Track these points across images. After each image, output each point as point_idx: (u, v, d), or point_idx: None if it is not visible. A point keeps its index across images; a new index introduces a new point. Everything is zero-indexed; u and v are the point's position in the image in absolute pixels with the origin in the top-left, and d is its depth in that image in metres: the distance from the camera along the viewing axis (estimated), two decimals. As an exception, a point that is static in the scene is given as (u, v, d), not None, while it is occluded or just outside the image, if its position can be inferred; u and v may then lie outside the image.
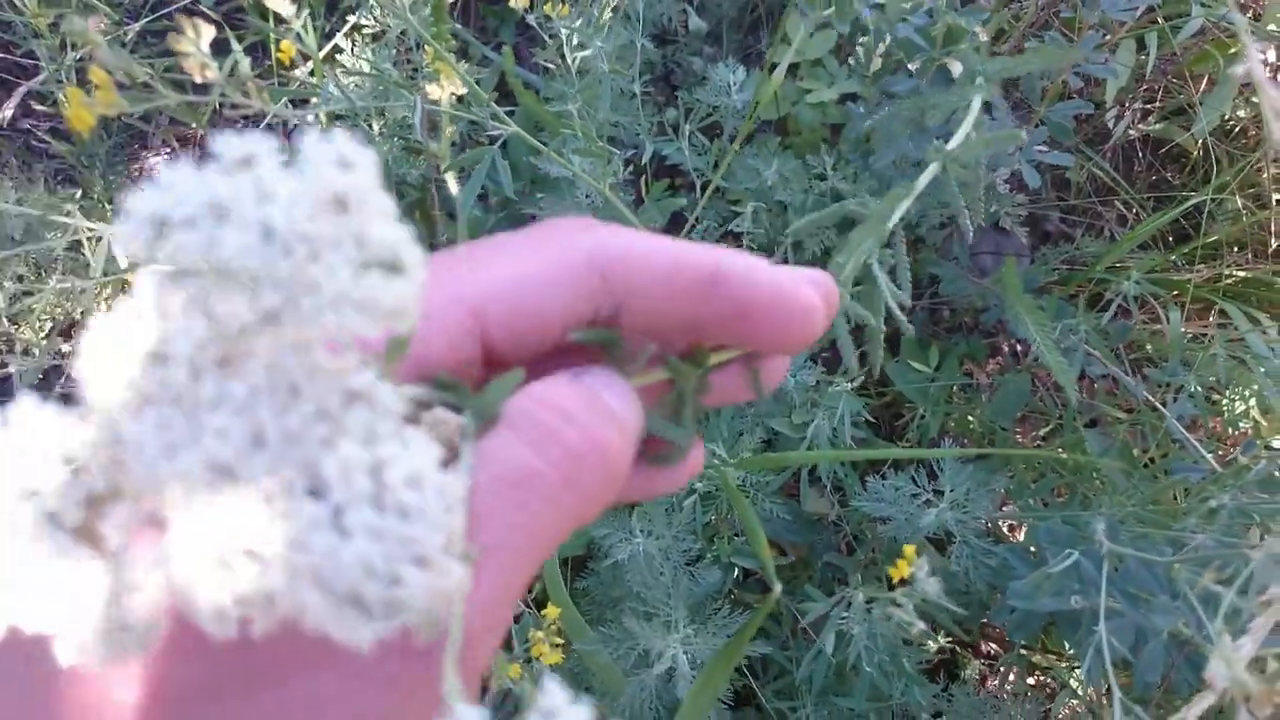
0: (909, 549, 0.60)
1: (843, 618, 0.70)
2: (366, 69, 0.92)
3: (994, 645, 1.22)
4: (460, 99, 0.90)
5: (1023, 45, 1.26)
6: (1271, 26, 1.19)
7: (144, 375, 0.15)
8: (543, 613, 0.62)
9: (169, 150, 1.60)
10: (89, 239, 0.77)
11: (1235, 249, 1.30)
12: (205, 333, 0.15)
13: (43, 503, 0.14)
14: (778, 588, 0.43)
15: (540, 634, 0.62)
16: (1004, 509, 1.05)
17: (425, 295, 0.17)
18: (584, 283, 0.24)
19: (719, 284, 0.24)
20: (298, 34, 0.86)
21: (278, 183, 0.14)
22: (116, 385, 0.15)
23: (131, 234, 0.14)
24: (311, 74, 1.35)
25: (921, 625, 0.61)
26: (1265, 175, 1.14)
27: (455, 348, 0.23)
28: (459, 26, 1.48)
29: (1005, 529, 1.19)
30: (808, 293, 0.24)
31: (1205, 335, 1.15)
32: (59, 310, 1.31)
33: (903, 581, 0.62)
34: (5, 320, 1.19)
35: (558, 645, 0.62)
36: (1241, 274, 1.15)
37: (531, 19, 1.11)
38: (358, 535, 0.14)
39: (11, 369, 1.06)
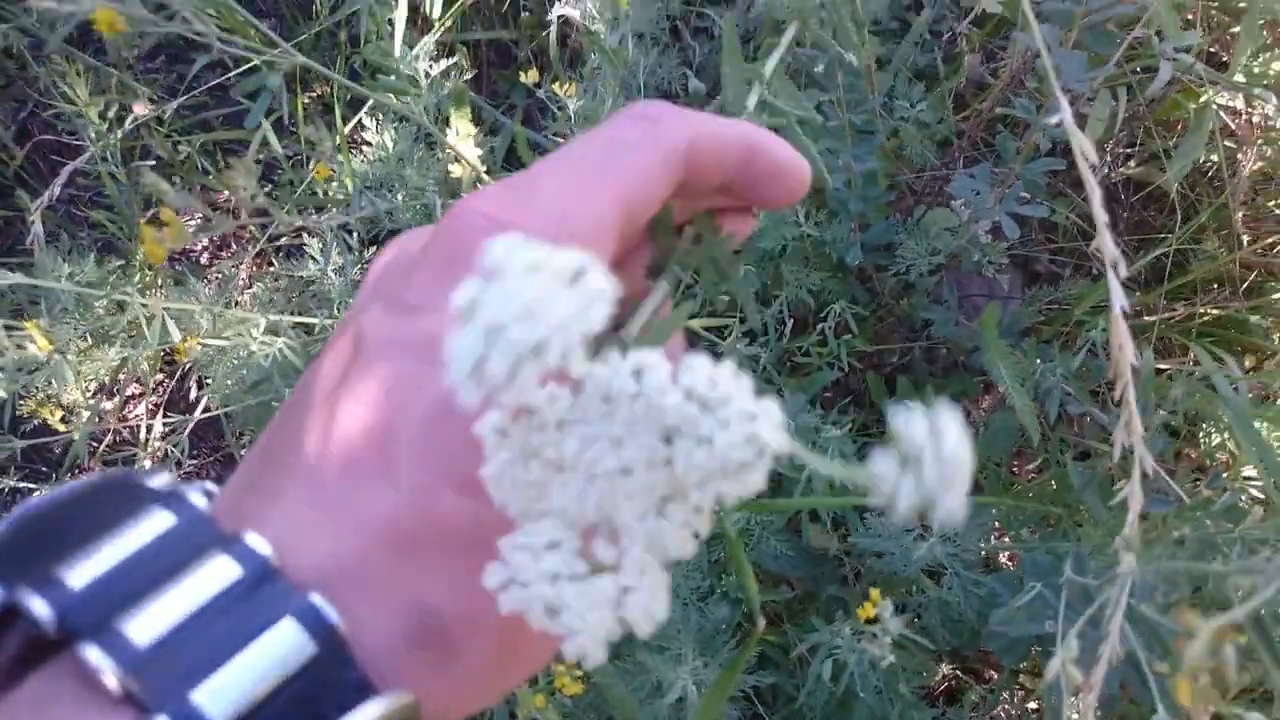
0: (874, 592, 0.67)
1: (835, 648, 0.77)
2: (390, 146, 1.00)
3: (995, 672, 1.27)
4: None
5: (995, 105, 1.34)
6: (1238, 76, 1.26)
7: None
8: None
9: (201, 218, 1.69)
10: (146, 317, 0.85)
11: (1216, 286, 1.36)
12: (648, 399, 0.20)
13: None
14: (761, 622, 0.50)
15: (561, 667, 0.68)
16: (999, 540, 1.11)
17: (585, 198, 0.25)
18: (681, 169, 0.28)
19: (758, 154, 0.30)
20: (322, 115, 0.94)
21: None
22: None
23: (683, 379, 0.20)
24: (338, 149, 1.44)
25: (892, 658, 0.67)
26: (1234, 218, 1.21)
27: (613, 249, 0.27)
28: (472, 94, 1.57)
29: (1006, 558, 1.25)
30: (804, 162, 0.31)
31: (1185, 372, 1.21)
32: (103, 371, 1.40)
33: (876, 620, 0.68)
34: (53, 382, 1.27)
35: (578, 678, 0.69)
36: (1216, 312, 1.22)
37: (541, 93, 1.20)
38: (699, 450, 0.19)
39: (70, 429, 1.13)
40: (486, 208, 0.25)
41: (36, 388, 1.29)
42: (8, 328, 0.94)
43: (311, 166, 0.90)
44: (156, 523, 0.23)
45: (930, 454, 0.19)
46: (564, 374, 0.19)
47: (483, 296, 0.19)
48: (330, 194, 1.14)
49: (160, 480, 0.25)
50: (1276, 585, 0.42)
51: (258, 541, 0.22)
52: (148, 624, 0.21)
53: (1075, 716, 0.69)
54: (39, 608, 0.20)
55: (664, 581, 0.21)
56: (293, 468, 0.24)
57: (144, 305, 0.83)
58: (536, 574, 0.20)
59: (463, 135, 0.84)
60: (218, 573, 0.22)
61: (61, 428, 0.98)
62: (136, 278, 1.41)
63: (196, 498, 0.24)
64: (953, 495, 0.19)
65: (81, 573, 0.21)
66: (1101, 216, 0.41)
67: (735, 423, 0.19)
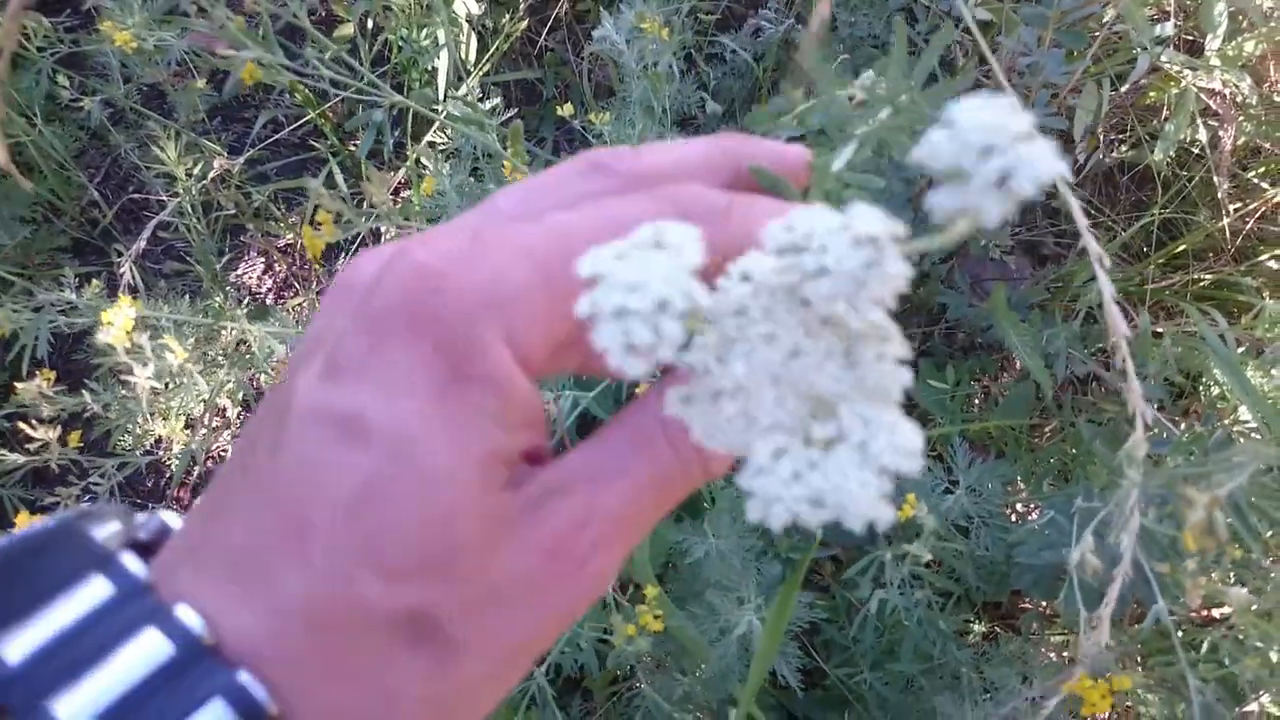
0: (910, 496, 0.77)
1: (880, 579, 0.87)
2: (448, 182, 1.13)
3: (1034, 624, 1.37)
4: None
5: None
6: (1213, 60, 1.37)
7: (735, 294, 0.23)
8: (642, 592, 0.81)
9: (263, 259, 1.83)
10: (255, 339, 0.98)
11: (1212, 254, 1.46)
12: (765, 290, 0.22)
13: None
14: (818, 533, 0.61)
15: (644, 608, 0.80)
16: (1021, 495, 1.21)
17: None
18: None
19: (738, 157, 0.30)
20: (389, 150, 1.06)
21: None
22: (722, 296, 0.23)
23: (778, 236, 0.21)
24: (396, 193, 1.57)
25: (929, 555, 0.78)
26: (1219, 190, 1.31)
27: (551, 334, 0.26)
28: (499, 125, 1.71)
29: (1030, 515, 1.35)
30: (792, 149, 0.31)
31: (1182, 330, 1.31)
32: (198, 403, 1.53)
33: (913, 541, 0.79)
34: (148, 417, 1.41)
35: (658, 617, 0.80)
36: (1210, 277, 1.32)
37: (576, 123, 1.33)
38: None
39: (165, 459, 1.26)
40: (432, 260, 0.24)
41: (136, 423, 1.43)
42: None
43: (420, 183, 1.02)
44: (92, 592, 0.23)
45: (967, 155, 0.20)
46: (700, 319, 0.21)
47: (598, 294, 0.21)
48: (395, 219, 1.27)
49: (108, 530, 0.26)
50: (1250, 470, 0.53)
51: (189, 615, 0.23)
52: (79, 704, 0.21)
53: (1095, 622, 0.79)
54: None
55: (899, 416, 0.21)
56: (222, 543, 0.24)
57: (250, 330, 0.96)
58: (781, 484, 0.21)
59: (515, 166, 0.97)
60: (149, 649, 0.22)
61: (182, 440, 1.11)
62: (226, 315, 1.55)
63: (132, 562, 0.24)
64: (1024, 163, 0.19)
65: (18, 646, 0.22)
66: (1082, 221, 0.51)
67: (832, 239, 0.20)
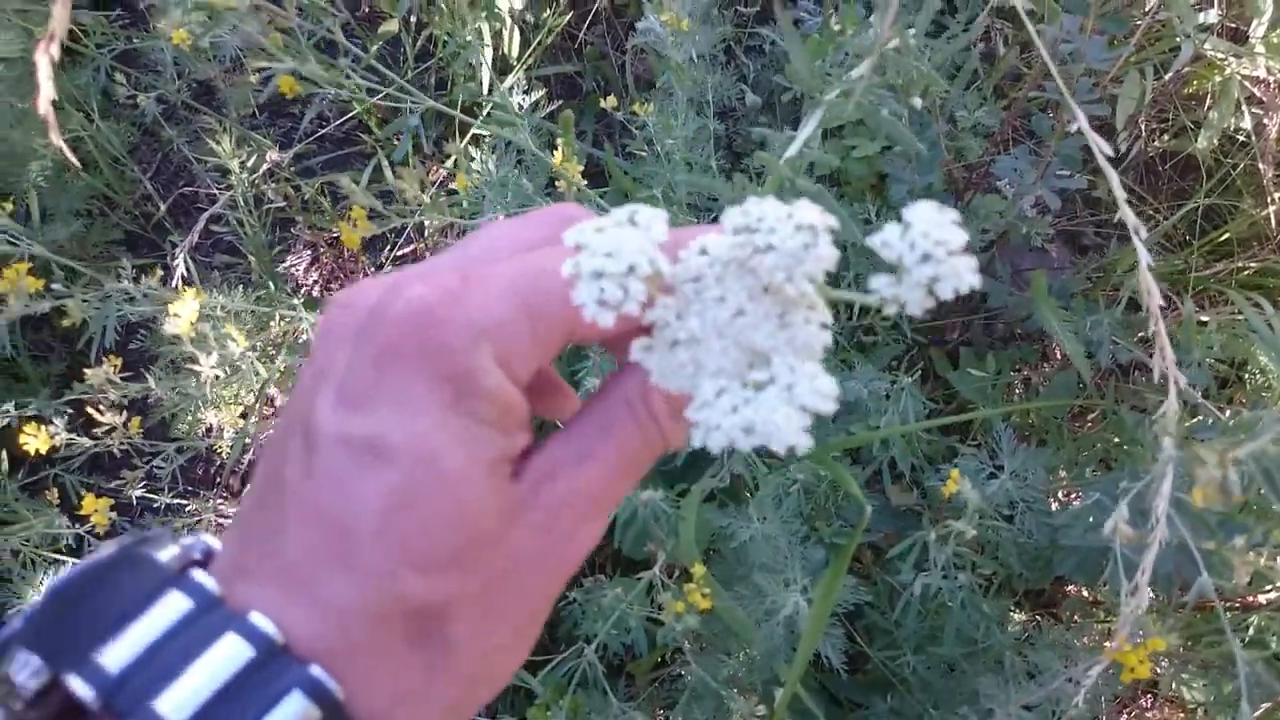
0: (954, 472, 0.78)
1: (924, 564, 0.88)
2: (494, 171, 1.15)
3: (1077, 612, 1.37)
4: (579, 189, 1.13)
5: (1040, 84, 1.45)
6: (1258, 48, 1.36)
7: (693, 266, 0.27)
8: (691, 570, 0.83)
9: (309, 250, 1.87)
10: (310, 328, 1.01)
11: (1256, 243, 1.46)
12: (719, 262, 0.27)
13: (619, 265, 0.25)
14: (868, 508, 0.62)
15: (692, 585, 0.82)
16: (1064, 482, 1.22)
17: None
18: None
19: None
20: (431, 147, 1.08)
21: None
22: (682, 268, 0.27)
23: (735, 218, 0.26)
24: (439, 187, 1.60)
25: (973, 531, 0.79)
26: (1264, 177, 1.31)
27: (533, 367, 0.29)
28: (542, 120, 1.73)
29: (1073, 503, 1.35)
30: None
31: (1231, 320, 1.31)
32: (250, 394, 1.57)
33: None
34: (204, 406, 1.45)
35: (705, 595, 0.82)
36: (1255, 265, 1.31)
37: (618, 115, 1.34)
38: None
39: (219, 446, 1.30)
40: (429, 297, 0.27)
41: (190, 412, 1.47)
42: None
43: (454, 177, 1.05)
44: (173, 605, 0.26)
45: (909, 256, 0.24)
46: (661, 285, 0.26)
47: (581, 259, 0.25)
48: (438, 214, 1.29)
49: (168, 553, 0.29)
50: (1274, 432, 0.54)
51: (263, 621, 0.26)
52: (179, 702, 0.25)
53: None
54: (81, 689, 0.25)
55: (819, 369, 0.26)
56: (274, 558, 0.27)
57: (307, 318, 0.99)
58: (721, 415, 0.25)
59: (566, 156, 0.99)
60: (232, 652, 0.25)
61: (236, 427, 1.14)
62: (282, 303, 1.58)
63: (203, 578, 0.27)
64: (950, 274, 0.24)
65: (114, 655, 0.25)
66: (1120, 193, 0.52)
67: (779, 224, 0.25)
